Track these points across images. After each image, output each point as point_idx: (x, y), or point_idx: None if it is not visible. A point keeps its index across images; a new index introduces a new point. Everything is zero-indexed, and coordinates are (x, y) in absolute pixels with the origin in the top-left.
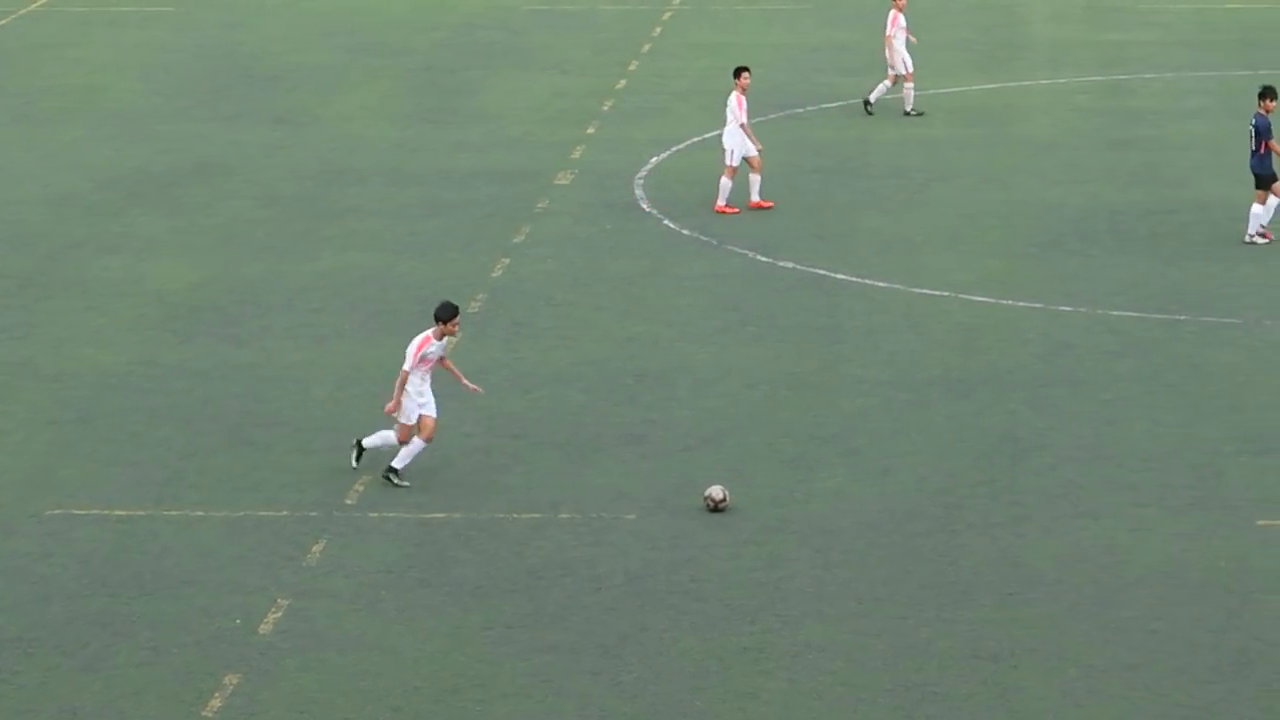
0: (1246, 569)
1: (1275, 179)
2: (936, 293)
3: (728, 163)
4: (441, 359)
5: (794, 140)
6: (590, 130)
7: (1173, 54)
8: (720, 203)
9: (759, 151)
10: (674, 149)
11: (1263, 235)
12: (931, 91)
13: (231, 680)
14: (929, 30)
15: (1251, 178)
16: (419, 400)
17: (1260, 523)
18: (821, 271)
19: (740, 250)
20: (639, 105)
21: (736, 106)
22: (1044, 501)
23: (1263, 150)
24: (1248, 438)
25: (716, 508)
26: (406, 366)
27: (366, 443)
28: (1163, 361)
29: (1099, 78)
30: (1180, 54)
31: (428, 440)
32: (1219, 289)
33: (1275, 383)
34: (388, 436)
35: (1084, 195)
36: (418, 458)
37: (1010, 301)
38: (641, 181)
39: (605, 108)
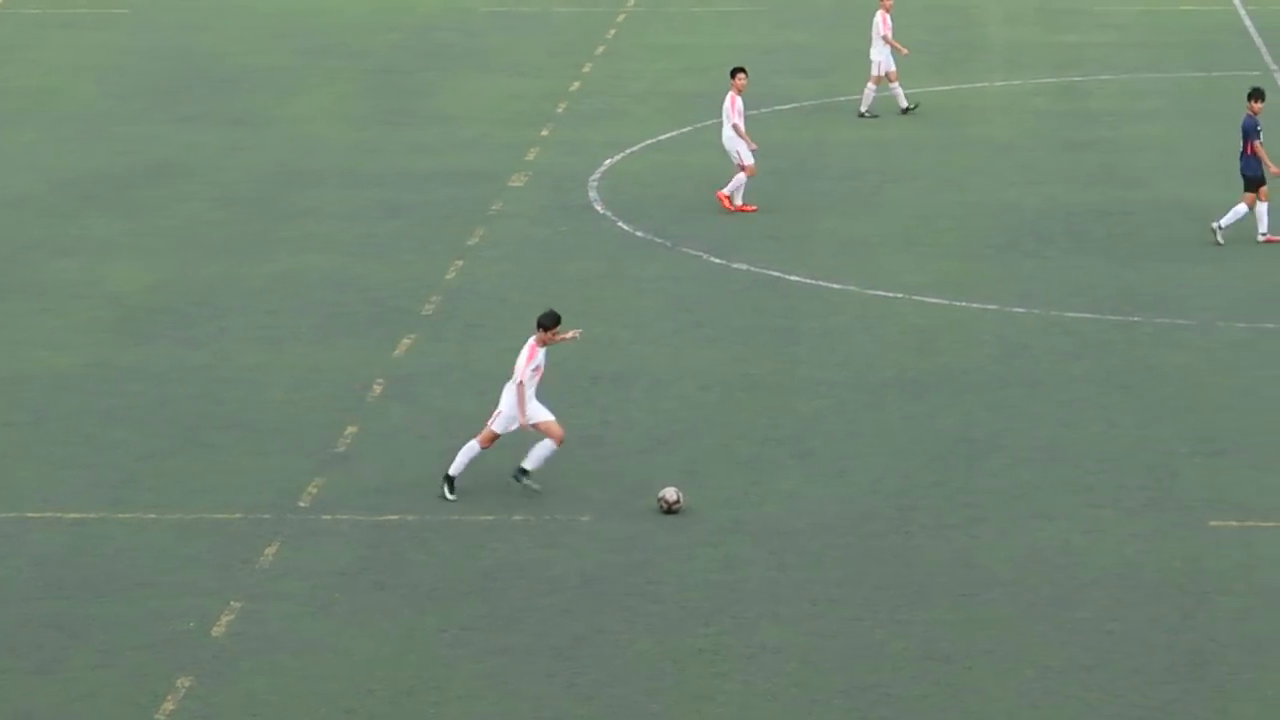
0: (1200, 569)
1: (1263, 182)
2: (892, 294)
3: (736, 164)
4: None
5: None
6: (545, 132)
7: (1128, 55)
8: (738, 201)
9: (753, 151)
10: (628, 151)
11: (1265, 236)
12: (887, 93)
13: (184, 683)
14: None
15: (1241, 180)
16: (529, 410)
17: (1214, 523)
18: (776, 273)
19: (694, 252)
20: (593, 107)
21: (730, 108)
22: (999, 503)
23: (1249, 151)
24: (1202, 439)
25: (670, 509)
26: (518, 379)
27: (528, 465)
28: (1118, 363)
29: (1054, 79)
30: (1135, 55)
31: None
32: (1174, 290)
33: (1229, 384)
34: (544, 449)
35: (1040, 197)
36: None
37: (965, 303)
38: (596, 183)
39: (560, 110)
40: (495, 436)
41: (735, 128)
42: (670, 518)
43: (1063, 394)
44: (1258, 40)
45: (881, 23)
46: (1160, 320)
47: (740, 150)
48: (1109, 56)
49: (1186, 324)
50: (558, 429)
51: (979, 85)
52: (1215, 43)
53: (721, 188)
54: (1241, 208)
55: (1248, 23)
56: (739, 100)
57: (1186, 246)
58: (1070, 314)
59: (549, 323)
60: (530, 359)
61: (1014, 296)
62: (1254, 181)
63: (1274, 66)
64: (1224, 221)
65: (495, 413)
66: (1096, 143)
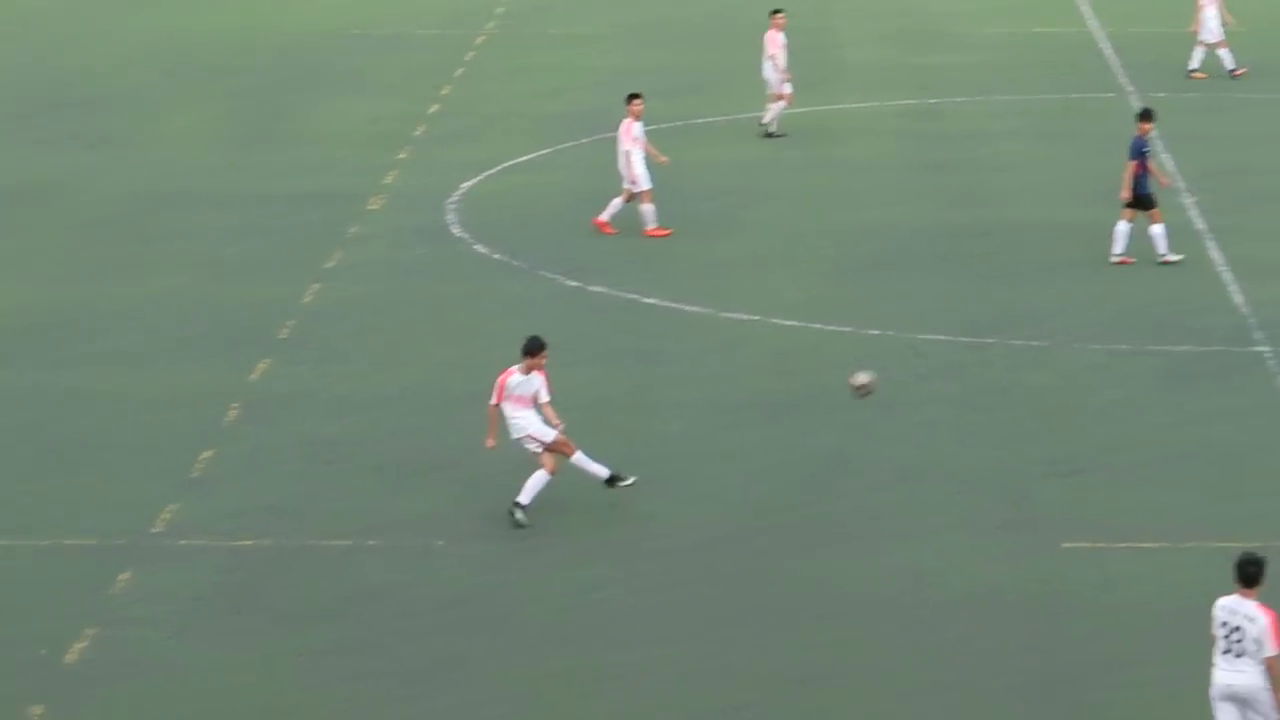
0: (1054, 591)
1: (1154, 203)
2: (748, 316)
3: (626, 188)
4: (543, 403)
5: (606, 163)
6: (403, 155)
7: (985, 77)
8: (605, 216)
9: (662, 163)
10: (485, 173)
11: (1121, 258)
12: (747, 115)
13: (36, 711)
14: (744, 53)
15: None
16: (530, 431)
17: (1067, 545)
18: (633, 296)
19: (552, 275)
20: (451, 129)
21: (624, 134)
22: (857, 524)
23: (1137, 172)
24: (1055, 460)
25: (865, 391)
26: (492, 401)
27: (588, 468)
28: (972, 384)
29: (913, 101)
30: (993, 77)
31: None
32: (1029, 311)
33: (1082, 405)
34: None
35: (897, 218)
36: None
37: (822, 325)
38: (453, 206)
39: (418, 132)
40: (552, 453)
41: (626, 154)
42: (522, 540)
43: (918, 416)
44: (1112, 61)
45: (769, 41)
46: (1015, 342)
47: (639, 177)
48: (967, 78)
49: (1041, 345)
50: (551, 461)
51: (838, 107)
52: (1071, 64)
53: (600, 214)
54: (1156, 228)
55: (1103, 45)
56: (634, 126)
57: (1042, 268)
58: (926, 336)
59: (532, 349)
60: (502, 384)
61: (871, 318)
62: (1145, 201)
63: (1130, 88)
64: (1159, 250)
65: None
66: (954, 164)
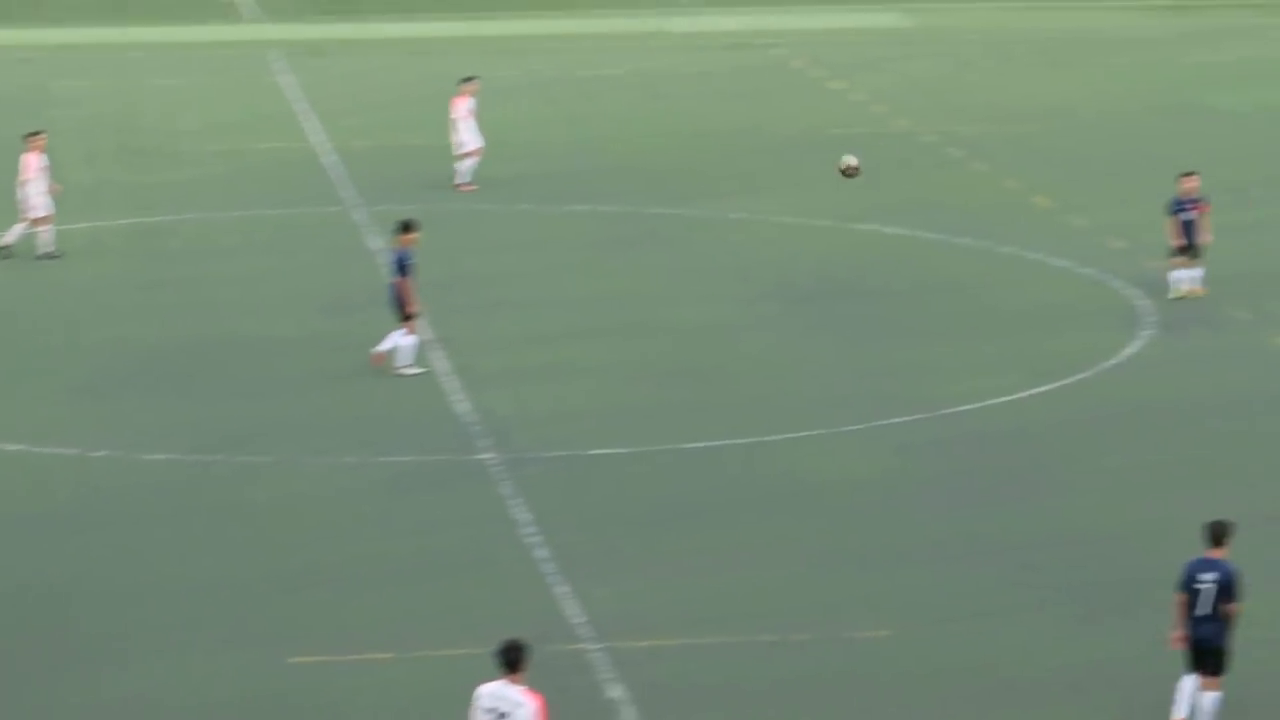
0: (284, 707)
1: (411, 314)
2: None
3: None
4: None
5: None
6: None
7: (207, 193)
8: None
9: None
10: None
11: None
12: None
13: None
14: None
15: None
16: None
17: (294, 659)
18: None
19: None
20: None
21: None
22: (85, 649)
23: (397, 281)
24: (281, 574)
25: (851, 172)
26: None
27: None
28: (197, 502)
29: (135, 219)
30: (214, 193)
31: None
32: (255, 427)
33: (308, 519)
34: None
35: (123, 337)
36: None
37: (46, 449)
38: None
39: None
40: None
41: None
42: None
43: (141, 536)
44: (336, 175)
45: (25, 165)
46: (241, 458)
47: None
48: (189, 195)
49: (267, 460)
50: None
51: (60, 228)
52: (293, 179)
53: None
54: (408, 338)
55: (325, 159)
56: None
57: (269, 383)
58: (152, 455)
59: None
60: None
61: (96, 440)
62: (400, 308)
63: (353, 201)
64: (400, 362)
65: None
66: (178, 281)
